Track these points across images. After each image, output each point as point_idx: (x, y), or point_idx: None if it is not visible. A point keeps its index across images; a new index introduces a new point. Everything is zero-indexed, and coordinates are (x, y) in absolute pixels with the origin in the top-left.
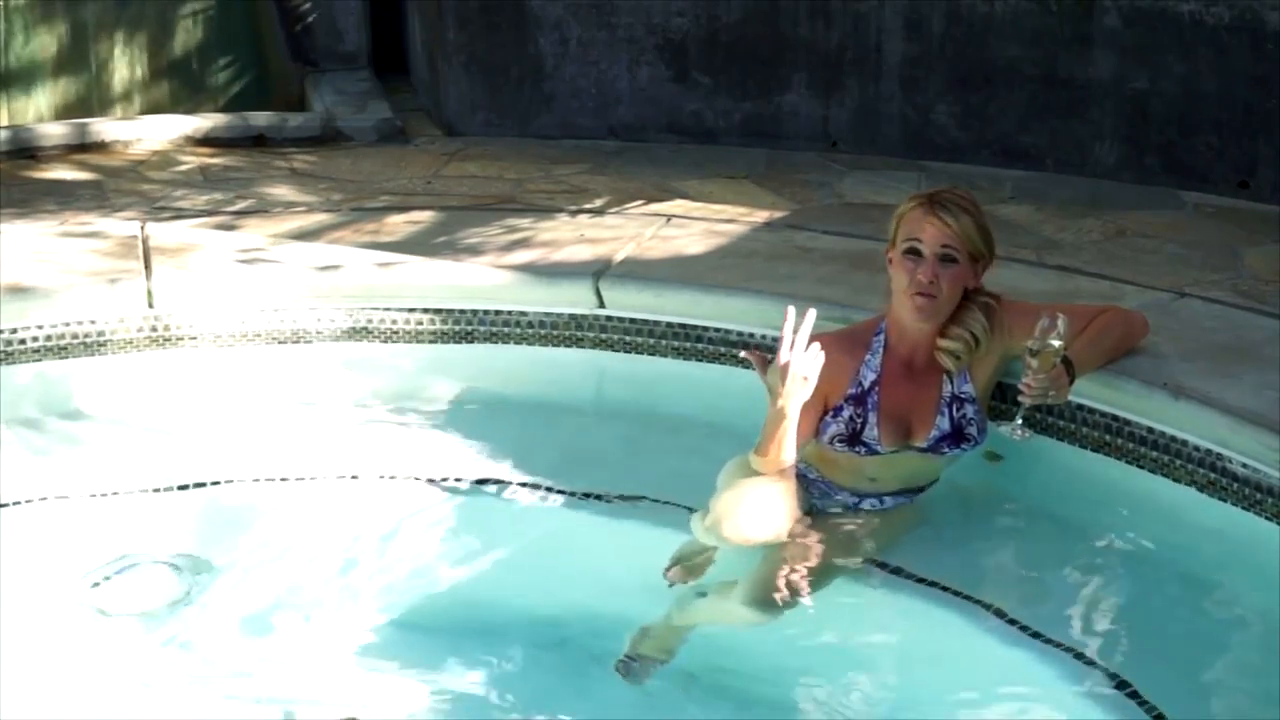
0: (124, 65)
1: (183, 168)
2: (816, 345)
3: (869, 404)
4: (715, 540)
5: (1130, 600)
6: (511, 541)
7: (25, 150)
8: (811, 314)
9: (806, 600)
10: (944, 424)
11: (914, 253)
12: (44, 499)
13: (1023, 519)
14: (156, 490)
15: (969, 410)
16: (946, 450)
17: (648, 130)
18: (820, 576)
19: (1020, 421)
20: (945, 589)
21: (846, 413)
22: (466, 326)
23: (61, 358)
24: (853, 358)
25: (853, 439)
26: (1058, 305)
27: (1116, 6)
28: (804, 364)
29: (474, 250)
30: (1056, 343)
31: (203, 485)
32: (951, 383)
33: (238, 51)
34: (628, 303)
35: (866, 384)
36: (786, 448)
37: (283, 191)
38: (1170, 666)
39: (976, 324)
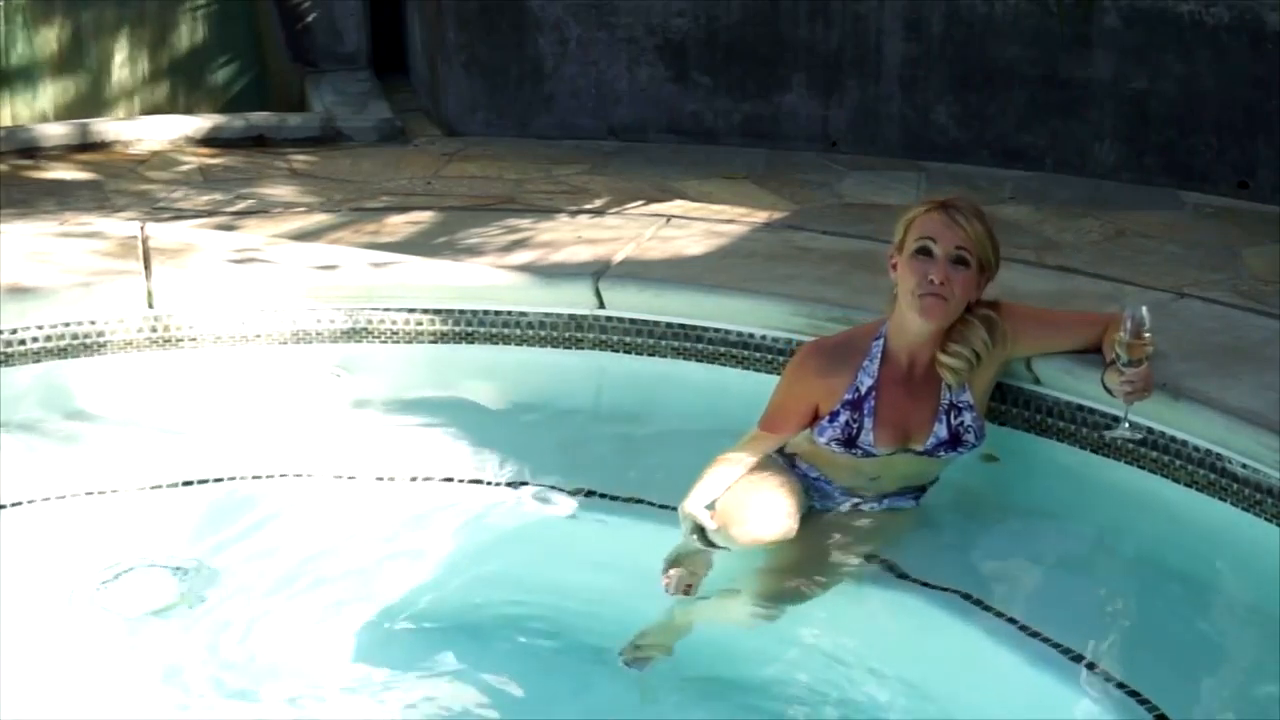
0: (124, 65)
1: (183, 168)
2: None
3: (865, 409)
4: (722, 542)
5: (1130, 600)
6: (511, 542)
7: (25, 150)
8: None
9: (807, 601)
10: (941, 431)
11: (925, 252)
12: (44, 499)
13: (1022, 520)
14: (157, 490)
15: (966, 418)
16: (943, 454)
17: (647, 130)
18: (821, 577)
19: (1128, 425)
20: (945, 590)
21: (843, 418)
22: (466, 327)
23: (61, 358)
24: (848, 369)
25: (849, 442)
26: (1056, 312)
27: (1116, 7)
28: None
29: (474, 251)
30: (1149, 334)
31: (204, 484)
32: (950, 391)
33: (238, 51)
34: (627, 303)
35: (863, 389)
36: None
37: (282, 192)
38: (1170, 666)
39: (978, 339)
